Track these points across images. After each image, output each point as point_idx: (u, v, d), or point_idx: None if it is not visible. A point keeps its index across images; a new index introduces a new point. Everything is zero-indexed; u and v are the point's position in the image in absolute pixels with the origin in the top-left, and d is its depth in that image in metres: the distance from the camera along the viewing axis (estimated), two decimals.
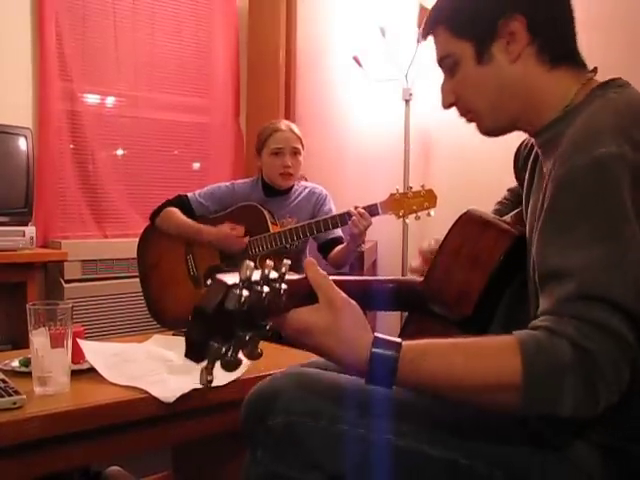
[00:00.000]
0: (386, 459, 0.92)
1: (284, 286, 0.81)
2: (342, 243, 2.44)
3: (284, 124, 2.56)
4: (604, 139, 0.84)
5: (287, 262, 0.83)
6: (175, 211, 2.50)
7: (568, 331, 0.78)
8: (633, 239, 0.81)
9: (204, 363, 0.76)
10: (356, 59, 3.08)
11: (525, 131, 1.07)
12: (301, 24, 3.67)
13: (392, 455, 0.92)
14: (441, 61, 1.05)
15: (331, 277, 0.90)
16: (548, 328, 0.80)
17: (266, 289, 0.78)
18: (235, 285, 0.75)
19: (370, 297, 1.06)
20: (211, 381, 0.76)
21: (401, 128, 2.97)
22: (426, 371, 0.84)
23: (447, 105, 1.07)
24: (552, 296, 0.82)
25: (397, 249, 2.97)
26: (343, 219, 2.27)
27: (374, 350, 0.84)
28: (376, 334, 0.86)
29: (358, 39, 3.23)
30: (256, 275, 0.77)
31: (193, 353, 0.76)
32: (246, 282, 0.76)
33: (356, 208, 2.23)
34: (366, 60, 3.07)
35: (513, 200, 1.29)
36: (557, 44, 1.00)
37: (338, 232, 2.48)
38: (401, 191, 2.24)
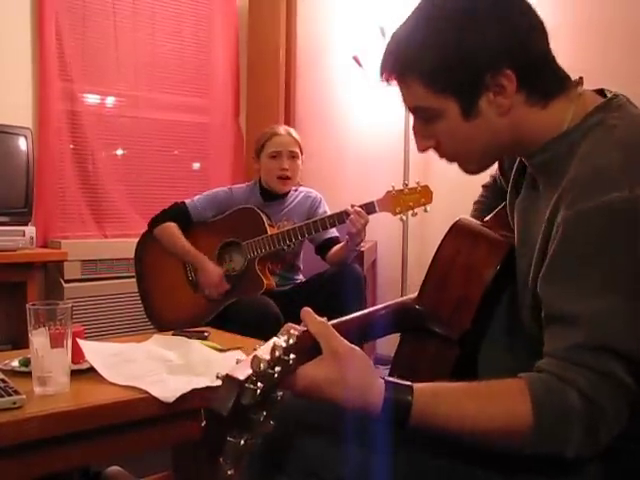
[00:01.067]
0: (385, 469, 0.92)
1: (292, 356, 0.80)
2: (339, 242, 2.45)
3: (283, 128, 2.58)
4: (615, 181, 0.82)
5: (294, 333, 0.82)
6: (174, 230, 2.50)
7: (577, 380, 0.80)
8: None
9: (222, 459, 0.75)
10: (356, 59, 3.08)
11: (514, 156, 1.05)
12: (301, 24, 3.67)
13: (390, 465, 0.92)
14: (415, 110, 0.98)
15: (330, 322, 0.90)
16: (557, 375, 0.82)
17: (278, 369, 0.77)
18: (248, 379, 0.73)
19: (369, 329, 1.06)
20: (231, 476, 0.75)
21: (401, 128, 2.97)
22: (439, 416, 0.85)
23: (424, 149, 1.00)
24: (559, 341, 0.84)
25: (397, 249, 2.97)
26: (340, 218, 2.28)
27: (388, 396, 0.85)
28: (386, 378, 0.87)
29: (358, 39, 3.23)
30: (265, 360, 0.75)
31: (212, 451, 0.76)
32: (259, 376, 0.74)
33: (353, 207, 2.24)
34: (366, 60, 3.07)
35: (489, 196, 1.28)
36: (545, 83, 0.94)
37: (334, 232, 2.49)
38: (397, 188, 2.25)
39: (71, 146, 3.25)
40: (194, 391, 1.28)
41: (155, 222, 2.54)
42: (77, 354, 1.38)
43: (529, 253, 0.95)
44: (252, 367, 0.74)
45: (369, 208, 2.24)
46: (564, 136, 0.93)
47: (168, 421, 1.31)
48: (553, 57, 0.95)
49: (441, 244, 1.12)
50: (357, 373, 0.86)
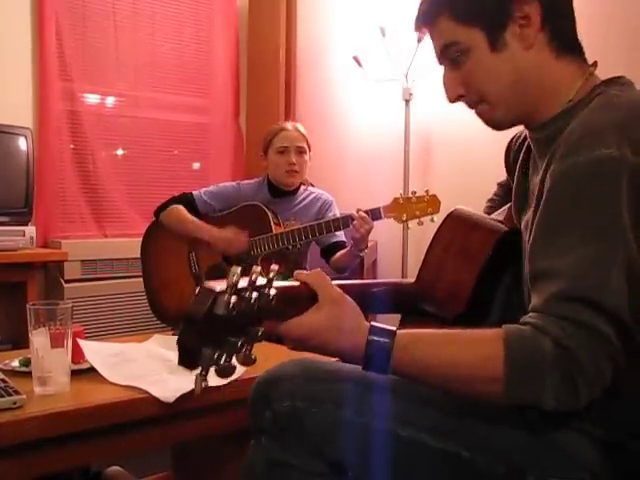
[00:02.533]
0: (387, 448, 0.94)
1: (273, 291, 0.82)
2: (345, 247, 2.44)
3: (290, 124, 2.57)
4: (605, 139, 0.84)
5: (275, 267, 0.84)
6: (180, 208, 2.50)
7: (552, 329, 0.80)
8: (624, 243, 0.82)
9: (198, 370, 0.77)
10: (356, 59, 3.08)
11: (527, 124, 1.04)
12: (301, 24, 3.67)
13: (393, 444, 0.93)
14: (444, 50, 0.99)
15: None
16: (534, 325, 0.82)
17: (255, 295, 0.79)
18: (223, 291, 0.76)
19: (365, 300, 1.07)
20: (206, 387, 0.77)
21: (401, 128, 2.97)
22: (417, 358, 0.87)
23: (454, 98, 1.01)
24: (540, 294, 0.84)
25: (397, 249, 2.97)
26: (345, 222, 2.26)
27: (370, 337, 0.87)
28: (372, 323, 0.90)
29: (358, 39, 3.23)
30: (243, 282, 0.78)
31: (186, 360, 0.77)
32: (234, 288, 0.76)
33: (358, 211, 2.22)
34: (366, 60, 3.07)
35: (503, 195, 1.29)
36: (565, 33, 0.98)
37: (341, 236, 2.48)
38: (405, 195, 2.22)
39: (71, 146, 3.25)
40: (194, 391, 1.28)
41: (161, 208, 2.53)
42: (77, 354, 1.38)
43: (530, 222, 0.96)
44: (227, 280, 0.76)
45: (375, 214, 2.22)
46: (568, 111, 0.95)
47: (168, 421, 1.31)
48: (575, 20, 0.99)
49: (438, 230, 1.15)
50: (350, 317, 0.90)
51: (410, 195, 2.23)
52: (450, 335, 0.89)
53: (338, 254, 2.43)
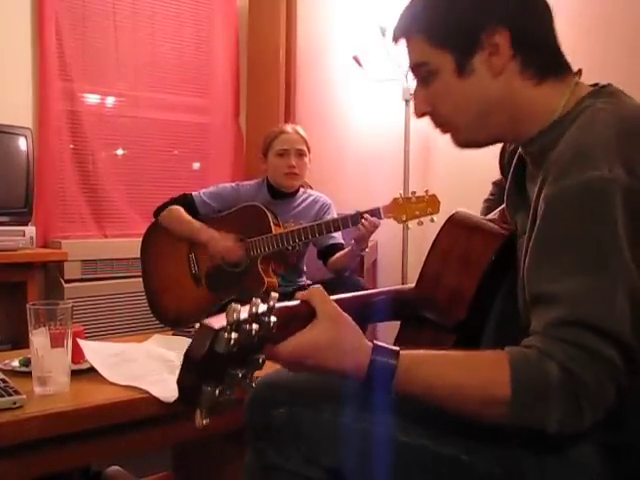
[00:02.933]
0: (386, 453, 0.93)
1: (273, 319, 0.80)
2: (342, 249, 2.44)
3: (290, 127, 2.57)
4: (595, 160, 0.83)
5: (275, 295, 0.82)
6: (179, 209, 2.50)
7: (556, 352, 0.80)
8: (621, 266, 0.81)
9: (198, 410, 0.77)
10: (356, 59, 3.08)
11: (510, 143, 1.06)
12: (301, 24, 3.67)
13: (392, 449, 0.93)
14: (415, 68, 1.01)
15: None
16: (538, 348, 0.82)
17: (255, 326, 0.77)
18: (223, 328, 0.74)
19: (367, 311, 1.06)
20: (207, 425, 0.76)
21: (401, 128, 2.97)
22: (421, 380, 0.86)
23: (420, 114, 1.03)
24: (541, 318, 0.84)
25: (397, 249, 2.97)
26: (345, 222, 2.26)
27: (373, 357, 0.86)
28: (375, 342, 0.88)
29: (358, 39, 3.23)
30: (244, 314, 0.77)
31: (186, 400, 0.76)
32: (234, 325, 0.75)
33: (360, 213, 2.22)
34: (366, 60, 3.07)
35: (499, 194, 1.29)
36: (540, 58, 0.97)
37: (338, 238, 2.48)
38: (404, 196, 2.22)
39: (71, 146, 3.25)
40: None
41: (160, 209, 2.54)
42: (77, 354, 1.38)
43: (525, 242, 0.96)
44: (227, 317, 0.75)
45: (374, 214, 2.22)
46: (555, 124, 0.94)
47: (168, 421, 1.31)
48: (555, 39, 0.98)
49: (438, 235, 1.14)
50: (350, 335, 0.88)
51: (410, 195, 2.23)
52: (454, 357, 0.88)
53: (337, 255, 2.43)
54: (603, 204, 0.82)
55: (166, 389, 1.28)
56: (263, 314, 0.79)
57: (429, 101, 1.01)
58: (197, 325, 0.76)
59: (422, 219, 2.21)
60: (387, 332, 1.57)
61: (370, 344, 0.88)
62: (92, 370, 1.38)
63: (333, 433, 0.95)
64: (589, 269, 0.82)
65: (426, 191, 2.20)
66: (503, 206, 1.18)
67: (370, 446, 0.93)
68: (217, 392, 0.76)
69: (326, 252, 2.48)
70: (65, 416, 1.18)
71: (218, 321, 0.75)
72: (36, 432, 1.15)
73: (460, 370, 0.86)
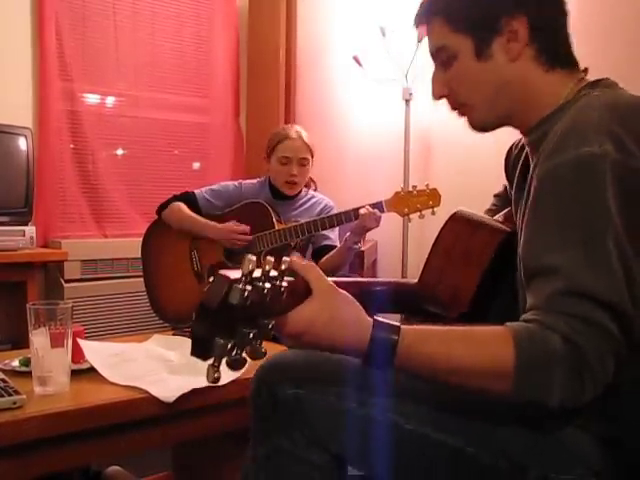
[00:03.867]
0: (390, 440, 0.93)
1: (284, 284, 0.81)
2: None
3: (295, 131, 2.54)
4: (587, 137, 0.85)
5: (287, 259, 0.83)
6: (182, 206, 2.51)
7: (559, 325, 0.81)
8: (614, 237, 0.83)
9: (210, 361, 0.76)
10: (356, 59, 3.08)
11: (516, 128, 1.08)
12: (301, 24, 3.67)
13: (397, 437, 0.93)
14: (436, 53, 1.05)
15: (330, 279, 0.91)
16: (540, 322, 0.82)
17: (268, 285, 0.78)
18: (238, 280, 0.75)
19: (366, 299, 1.06)
20: (218, 378, 0.76)
21: (401, 128, 2.97)
22: (424, 355, 0.86)
23: (438, 96, 1.06)
24: (540, 292, 0.85)
25: (397, 249, 2.97)
26: (348, 216, 2.27)
27: (374, 333, 0.86)
28: (376, 317, 0.88)
29: (358, 39, 3.23)
30: (257, 272, 0.77)
31: (199, 350, 0.76)
32: (248, 277, 0.75)
33: (364, 207, 2.23)
34: (366, 60, 3.07)
35: (500, 205, 1.30)
36: (554, 47, 1.01)
37: (335, 241, 2.48)
38: (406, 189, 2.24)
39: (71, 146, 3.25)
40: (194, 391, 1.28)
41: (163, 206, 2.54)
42: (77, 354, 1.38)
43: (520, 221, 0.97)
44: (242, 269, 0.75)
45: (377, 208, 2.24)
46: (554, 113, 0.98)
47: (168, 421, 1.31)
48: (568, 32, 1.02)
49: (441, 232, 1.15)
50: (348, 311, 0.88)
51: (411, 189, 2.25)
52: (456, 332, 0.88)
53: (330, 253, 2.42)
54: (593, 178, 0.84)
55: (166, 389, 1.28)
56: (275, 277, 0.80)
57: (447, 84, 1.04)
58: (212, 277, 0.77)
59: (424, 212, 2.22)
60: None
61: (370, 319, 0.87)
62: (92, 370, 1.38)
63: (337, 418, 0.95)
64: (583, 240, 0.83)
65: (426, 185, 2.22)
66: (508, 209, 1.19)
67: (373, 433, 0.93)
68: (229, 346, 0.75)
69: (318, 253, 2.48)
70: (65, 416, 1.18)
71: (233, 273, 0.76)
72: (36, 432, 1.15)
73: (463, 345, 0.86)
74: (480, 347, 0.85)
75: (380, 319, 0.88)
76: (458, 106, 1.06)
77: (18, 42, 3.09)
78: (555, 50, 1.01)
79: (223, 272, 0.76)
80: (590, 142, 0.85)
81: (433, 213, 2.19)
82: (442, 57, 1.03)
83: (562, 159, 0.86)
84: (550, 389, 0.81)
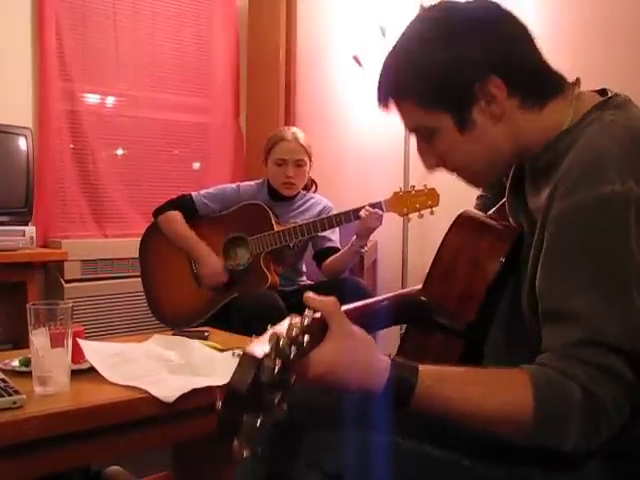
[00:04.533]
0: (388, 459, 0.92)
1: (307, 338, 0.78)
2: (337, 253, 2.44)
3: (290, 133, 2.54)
4: (608, 174, 0.82)
5: (309, 314, 0.80)
6: (177, 218, 2.49)
7: (578, 374, 0.81)
8: (636, 282, 0.81)
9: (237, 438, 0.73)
10: (356, 59, 3.08)
11: (519, 163, 1.05)
12: (301, 24, 3.67)
13: (394, 455, 0.92)
14: (414, 131, 1.01)
15: None
16: (557, 368, 0.82)
17: (294, 349, 0.75)
18: (267, 356, 0.71)
19: (372, 319, 1.06)
20: (247, 458, 0.73)
21: (401, 128, 2.94)
22: (442, 398, 0.85)
23: (431, 168, 1.03)
24: (558, 336, 0.84)
25: (397, 249, 2.97)
26: (348, 217, 2.27)
27: (392, 374, 0.84)
28: (393, 357, 0.87)
29: (358, 39, 3.23)
30: (283, 338, 0.74)
31: (227, 433, 0.73)
32: (277, 351, 0.72)
33: (364, 207, 2.23)
34: (366, 60, 3.07)
35: (492, 191, 1.28)
36: (537, 86, 0.96)
37: (336, 243, 2.48)
38: (404, 190, 2.25)
39: (71, 146, 3.25)
40: (194, 391, 1.28)
41: (160, 211, 2.54)
42: (77, 354, 1.38)
43: (527, 252, 0.95)
44: (270, 343, 0.72)
45: (376, 208, 2.24)
46: (563, 135, 0.94)
47: (168, 421, 1.31)
48: (544, 61, 0.97)
49: (446, 236, 1.12)
50: (365, 351, 0.86)
51: (409, 189, 2.25)
52: (475, 375, 0.87)
53: (335, 255, 2.42)
54: (616, 219, 0.82)
55: (166, 389, 1.28)
56: (300, 333, 0.76)
57: (437, 156, 1.01)
58: (237, 355, 0.73)
59: (422, 212, 2.23)
60: (388, 336, 1.57)
61: (388, 359, 0.86)
62: (92, 370, 1.38)
63: (334, 438, 0.94)
64: (605, 286, 0.82)
65: (425, 185, 2.23)
66: (500, 204, 1.17)
67: (371, 451, 0.92)
68: (258, 422, 0.72)
69: (321, 255, 2.47)
70: (65, 416, 1.18)
71: (259, 347, 0.72)
72: (36, 432, 1.14)
73: (483, 389, 0.85)
74: (499, 392, 0.84)
75: (398, 359, 0.86)
76: (457, 172, 1.03)
77: (18, 42, 3.09)
78: (540, 88, 0.96)
79: (249, 350, 0.72)
80: (611, 179, 0.82)
81: (432, 213, 2.19)
82: (422, 133, 0.99)
83: (582, 198, 0.83)
84: (567, 436, 0.81)
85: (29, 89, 3.12)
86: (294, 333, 0.75)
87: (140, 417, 1.28)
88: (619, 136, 0.86)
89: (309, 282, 2.58)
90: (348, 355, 0.84)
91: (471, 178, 1.03)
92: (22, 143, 2.87)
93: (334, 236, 2.50)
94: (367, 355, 0.86)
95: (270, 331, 0.73)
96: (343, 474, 0.95)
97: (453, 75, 0.93)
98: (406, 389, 0.84)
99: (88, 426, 1.21)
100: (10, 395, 1.16)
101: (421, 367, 0.86)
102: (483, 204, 1.28)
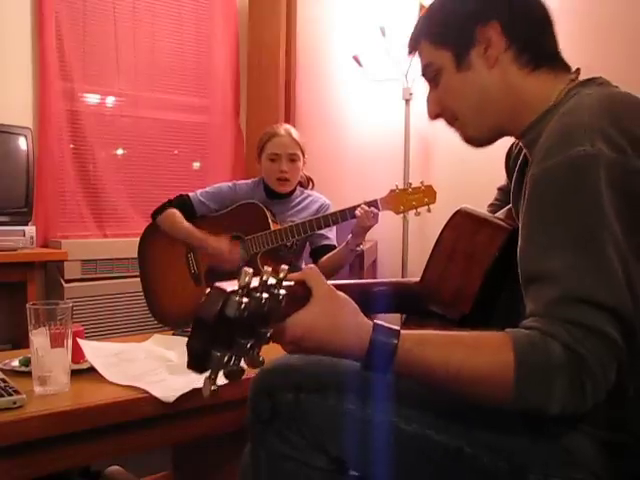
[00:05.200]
0: (390, 442, 0.93)
1: (283, 292, 0.80)
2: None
3: (283, 129, 2.53)
4: (578, 138, 0.84)
5: (285, 267, 0.82)
6: (176, 214, 2.49)
7: (560, 333, 0.80)
8: (611, 239, 0.82)
9: (207, 373, 0.76)
10: (356, 59, 3.08)
11: (511, 135, 1.08)
12: (301, 24, 3.67)
13: (396, 438, 0.93)
14: (424, 71, 1.08)
15: (329, 282, 0.90)
16: (541, 329, 0.82)
17: (265, 295, 0.77)
18: (234, 292, 0.74)
19: (368, 300, 1.06)
20: (215, 391, 0.75)
21: (401, 128, 2.97)
22: (423, 360, 0.85)
23: (433, 116, 1.09)
24: (539, 298, 0.84)
25: (397, 248, 2.97)
26: (344, 216, 2.26)
27: (374, 336, 0.85)
28: (376, 321, 0.88)
29: (358, 39, 3.23)
30: (255, 282, 0.76)
31: (196, 363, 0.75)
32: (245, 289, 0.75)
33: (359, 205, 2.23)
34: (366, 60, 3.07)
35: (504, 200, 1.30)
36: (535, 47, 1.02)
37: (332, 240, 2.48)
38: (401, 187, 2.25)
39: (71, 146, 3.25)
40: (194, 391, 1.28)
41: (158, 211, 2.54)
42: (77, 354, 1.38)
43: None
44: (239, 281, 0.74)
45: (372, 206, 2.24)
46: (547, 113, 0.98)
47: (168, 421, 1.31)
48: (551, 31, 1.03)
49: (444, 229, 1.14)
50: (348, 315, 0.87)
51: (406, 186, 2.25)
52: (456, 338, 0.87)
53: (330, 254, 2.41)
54: (587, 178, 0.83)
55: (166, 389, 1.28)
56: (273, 285, 0.79)
57: (439, 102, 1.07)
58: (208, 289, 0.76)
59: (419, 209, 2.23)
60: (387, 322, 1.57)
61: (370, 323, 0.87)
62: (92, 370, 1.38)
63: (337, 421, 0.95)
64: (580, 243, 0.82)
65: (422, 182, 2.22)
66: (508, 207, 1.18)
67: (373, 435, 0.93)
68: (226, 358, 0.75)
69: (317, 252, 2.47)
70: (65, 416, 1.18)
71: (230, 285, 0.75)
72: (36, 432, 1.15)
73: (463, 351, 0.85)
74: (480, 353, 0.85)
75: (380, 323, 0.87)
76: (451, 121, 1.08)
77: (18, 42, 3.09)
78: (537, 49, 1.02)
79: (219, 284, 0.75)
80: (581, 142, 0.84)
81: (429, 210, 2.19)
82: (430, 74, 1.07)
83: (554, 161, 0.85)
84: (551, 398, 0.80)
85: (29, 89, 3.12)
86: (265, 278, 0.78)
87: (140, 417, 1.28)
88: (591, 105, 0.89)
89: None
90: (329, 318, 0.85)
91: (461, 125, 1.07)
92: (22, 143, 2.88)
93: (331, 234, 2.50)
94: (349, 319, 0.87)
95: (243, 270, 0.75)
96: (345, 456, 0.96)
97: (461, 16, 1.03)
98: (387, 351, 0.85)
99: (88, 426, 1.21)
100: (10, 395, 1.16)
101: (403, 331, 0.86)
102: (492, 212, 1.30)
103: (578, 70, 1.03)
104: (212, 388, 0.75)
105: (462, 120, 1.06)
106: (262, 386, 1.01)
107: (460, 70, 1.02)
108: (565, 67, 1.03)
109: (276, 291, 0.79)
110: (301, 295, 0.86)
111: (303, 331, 0.85)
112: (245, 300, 0.74)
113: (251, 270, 0.75)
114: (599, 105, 0.89)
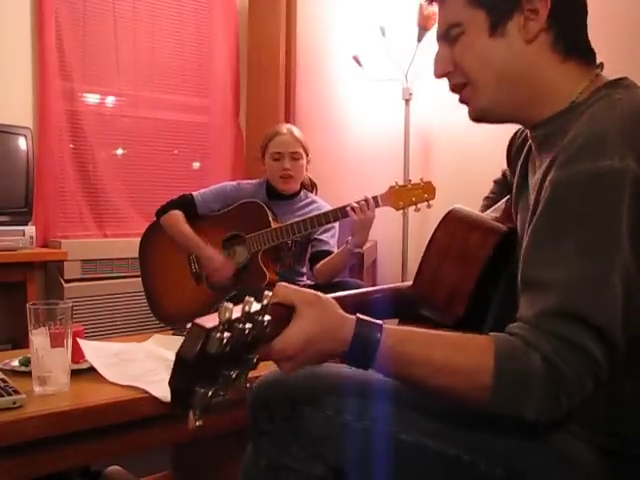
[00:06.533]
0: (388, 452, 0.93)
1: (267, 317, 0.79)
2: None
3: (285, 128, 2.55)
4: (607, 149, 0.82)
5: (268, 294, 0.81)
6: (180, 217, 2.50)
7: (542, 346, 0.80)
8: (620, 258, 0.81)
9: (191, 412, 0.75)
10: (356, 59, 3.08)
11: (520, 122, 1.04)
12: (301, 24, 3.67)
13: (394, 448, 0.92)
14: (448, 29, 0.98)
15: (330, 295, 0.91)
16: (524, 338, 0.82)
17: (249, 325, 0.76)
18: (215, 328, 0.72)
19: (364, 309, 1.06)
20: (201, 426, 0.74)
21: (401, 128, 2.97)
22: (404, 355, 0.85)
23: (441, 73, 1.00)
24: (532, 305, 0.84)
25: (397, 248, 2.97)
26: (344, 212, 2.26)
27: (357, 330, 0.86)
28: (358, 315, 0.88)
29: (358, 39, 3.23)
30: (237, 312, 0.75)
31: (179, 403, 0.74)
32: (226, 324, 0.73)
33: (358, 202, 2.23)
34: (366, 60, 3.07)
35: (498, 193, 1.29)
36: (573, 34, 0.96)
37: (333, 247, 2.47)
38: (400, 184, 2.25)
39: (71, 146, 3.25)
40: None
41: (162, 211, 2.54)
42: (77, 354, 1.38)
43: (528, 223, 0.95)
44: (219, 316, 0.73)
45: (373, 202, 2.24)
46: (569, 109, 0.93)
47: (168, 421, 1.31)
48: (586, 23, 0.97)
49: (435, 231, 1.12)
50: (332, 313, 0.88)
51: (405, 183, 2.26)
52: (439, 337, 0.87)
53: (330, 256, 2.40)
54: (610, 193, 0.81)
55: (166, 389, 1.27)
56: (257, 313, 0.78)
57: (452, 60, 0.98)
58: (188, 325, 0.75)
59: (419, 205, 2.23)
60: None
61: (353, 317, 0.87)
62: (92, 370, 1.38)
63: (335, 432, 0.94)
64: (587, 261, 0.81)
65: (421, 178, 2.23)
66: (504, 200, 1.17)
67: (371, 444, 0.93)
68: (210, 393, 0.74)
69: (315, 258, 2.46)
70: (65, 416, 1.18)
71: (210, 320, 0.73)
72: (36, 432, 1.15)
73: (445, 351, 0.85)
74: (460, 354, 0.85)
75: (363, 317, 0.88)
76: (460, 86, 0.99)
77: (18, 42, 3.08)
78: (574, 38, 0.96)
79: (199, 320, 0.73)
80: (610, 154, 0.81)
81: (429, 206, 2.19)
82: (452, 33, 0.97)
83: (580, 168, 0.82)
84: (526, 405, 0.81)
85: (29, 89, 3.12)
86: (247, 309, 0.76)
87: (140, 417, 1.28)
88: (623, 114, 0.86)
89: (309, 282, 2.58)
90: (317, 326, 0.85)
91: (471, 93, 0.98)
92: (22, 143, 2.87)
93: (332, 240, 2.49)
94: (333, 318, 0.87)
95: (223, 306, 0.73)
96: (344, 466, 0.96)
97: None
98: (370, 344, 0.85)
99: (88, 426, 1.21)
100: (10, 395, 1.16)
101: (386, 326, 0.86)
102: (488, 205, 1.29)
103: (602, 65, 0.99)
104: (197, 424, 0.74)
105: (476, 86, 0.97)
106: (260, 398, 1.01)
107: (493, 35, 0.94)
108: (592, 61, 0.98)
109: (260, 318, 0.78)
110: (284, 316, 0.85)
111: (302, 346, 0.85)
112: (227, 335, 0.72)
113: (231, 305, 0.74)
114: (630, 113, 0.86)
